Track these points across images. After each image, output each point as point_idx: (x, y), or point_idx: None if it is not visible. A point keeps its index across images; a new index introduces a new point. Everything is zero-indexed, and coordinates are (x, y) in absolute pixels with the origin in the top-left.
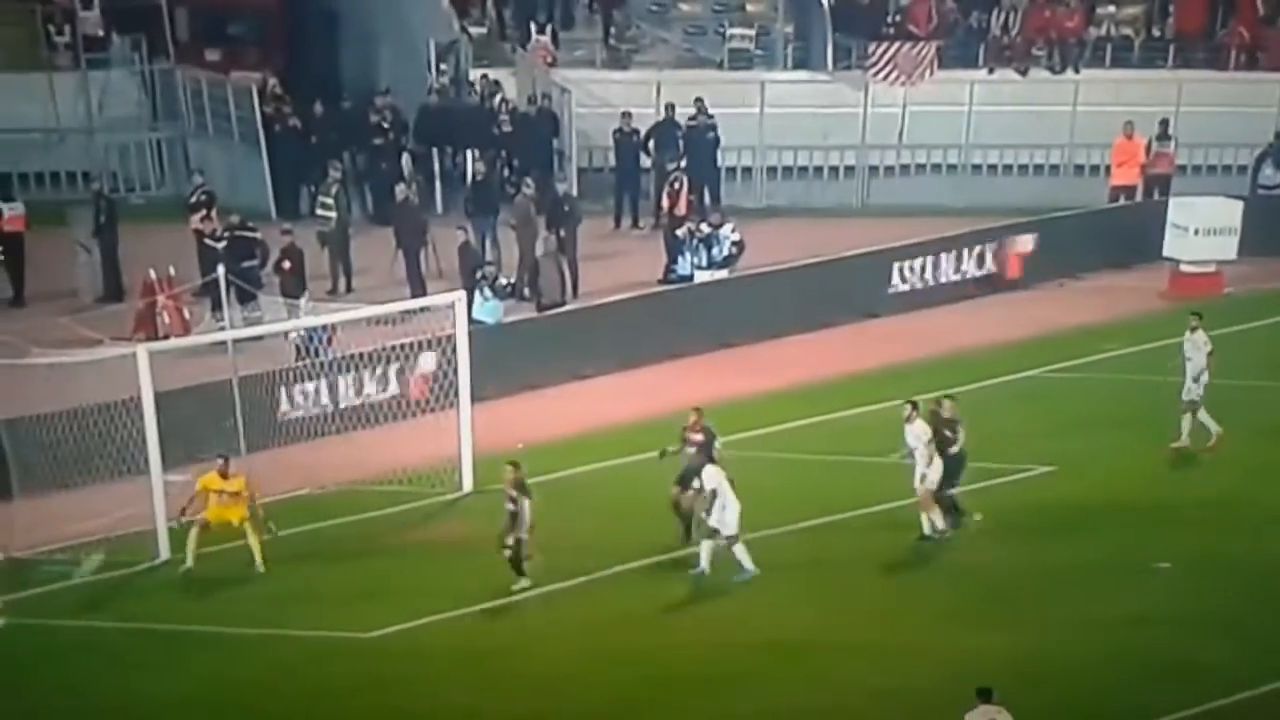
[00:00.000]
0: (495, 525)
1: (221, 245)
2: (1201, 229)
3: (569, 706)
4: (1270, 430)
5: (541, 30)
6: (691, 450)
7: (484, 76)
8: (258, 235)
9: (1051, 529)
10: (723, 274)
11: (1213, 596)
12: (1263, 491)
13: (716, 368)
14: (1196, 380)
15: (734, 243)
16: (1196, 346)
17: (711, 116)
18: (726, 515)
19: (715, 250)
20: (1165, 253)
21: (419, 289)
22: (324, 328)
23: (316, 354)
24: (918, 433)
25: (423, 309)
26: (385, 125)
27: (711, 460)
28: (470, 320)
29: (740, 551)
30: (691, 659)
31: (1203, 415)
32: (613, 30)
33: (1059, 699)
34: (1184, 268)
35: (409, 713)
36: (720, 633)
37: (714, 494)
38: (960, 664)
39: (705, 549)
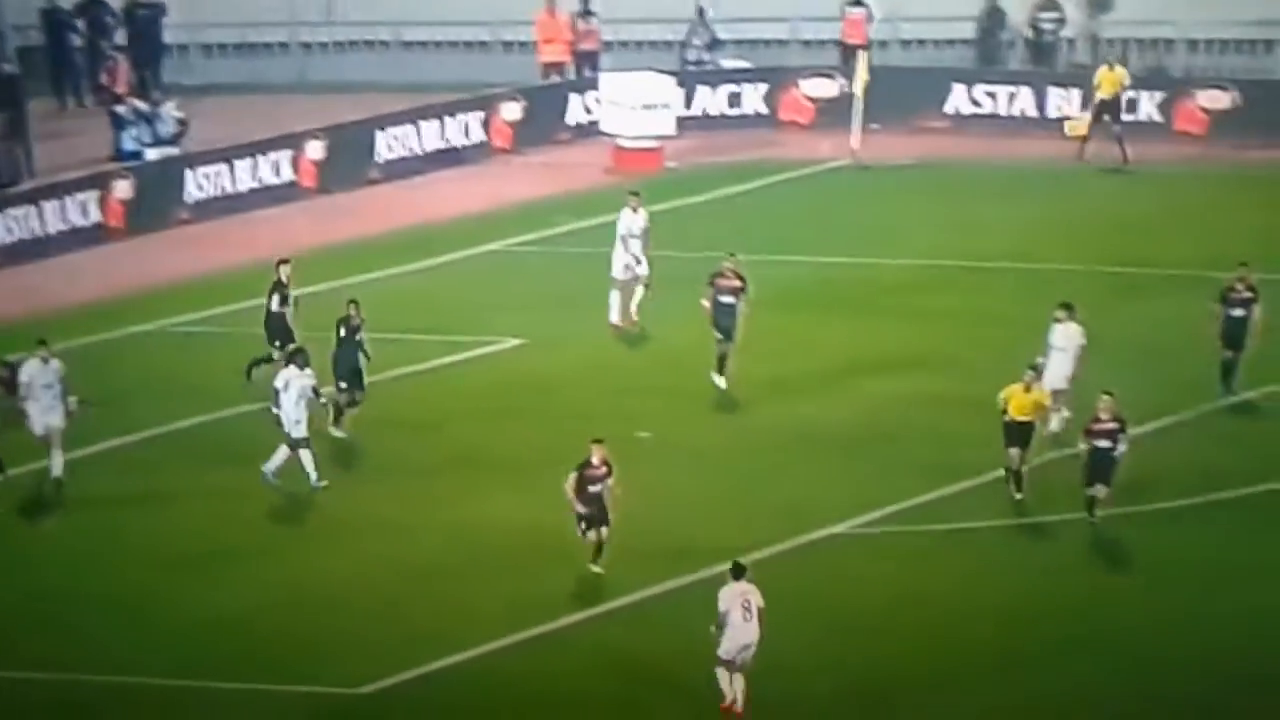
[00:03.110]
0: None
1: None
2: (637, 104)
3: None
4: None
5: None
6: None
7: None
8: None
9: (522, 405)
10: (174, 151)
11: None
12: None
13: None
14: (639, 260)
15: (178, 120)
16: (632, 226)
17: None
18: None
19: (160, 127)
20: (603, 128)
21: None
22: None
23: None
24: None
25: None
26: None
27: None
28: None
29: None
30: None
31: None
32: None
33: None
34: (623, 143)
35: None
36: None
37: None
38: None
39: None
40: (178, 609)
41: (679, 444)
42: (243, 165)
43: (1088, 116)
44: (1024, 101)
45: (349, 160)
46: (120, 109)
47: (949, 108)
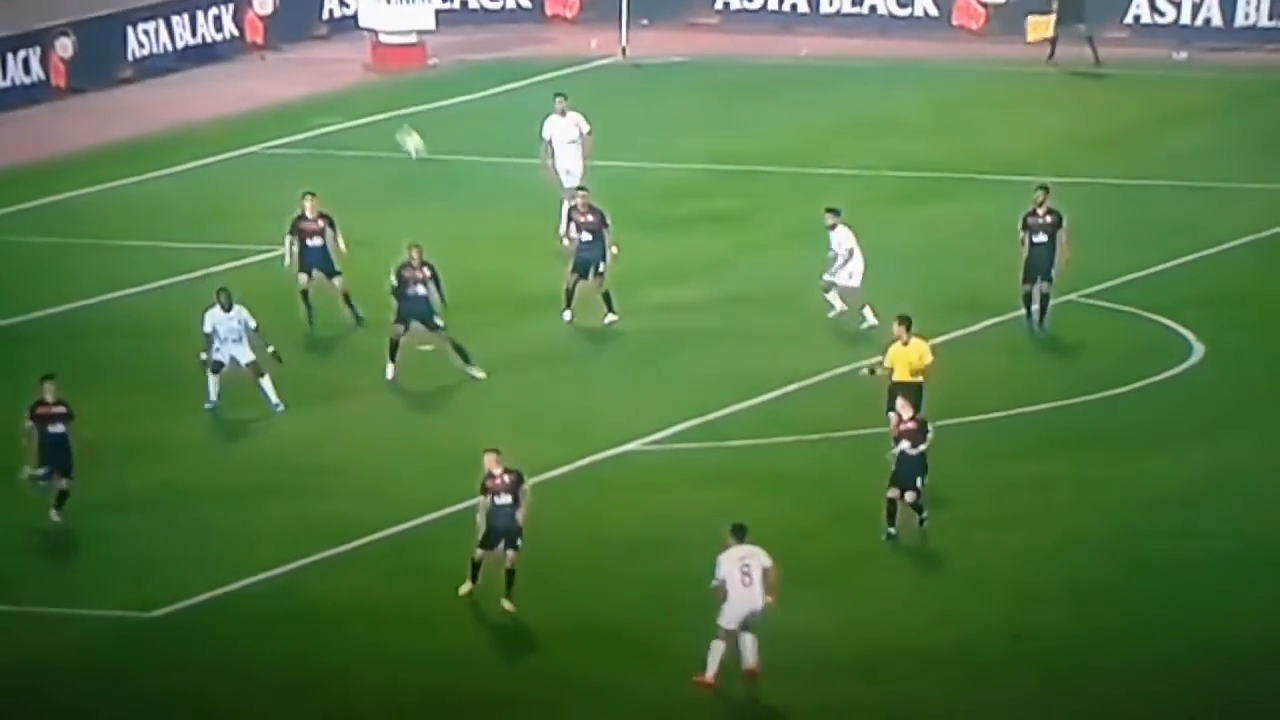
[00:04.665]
0: None
1: None
2: None
3: None
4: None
5: None
6: None
7: None
8: None
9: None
10: None
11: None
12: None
13: None
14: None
15: None
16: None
17: None
18: None
19: None
20: (361, 23)
21: None
22: None
23: None
24: None
25: None
26: None
27: None
28: None
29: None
30: None
31: None
32: None
33: None
34: (383, 38)
35: None
36: None
37: None
38: None
39: None
40: None
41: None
42: None
43: (1050, 18)
44: None
45: (100, 57)
46: None
47: (719, 3)
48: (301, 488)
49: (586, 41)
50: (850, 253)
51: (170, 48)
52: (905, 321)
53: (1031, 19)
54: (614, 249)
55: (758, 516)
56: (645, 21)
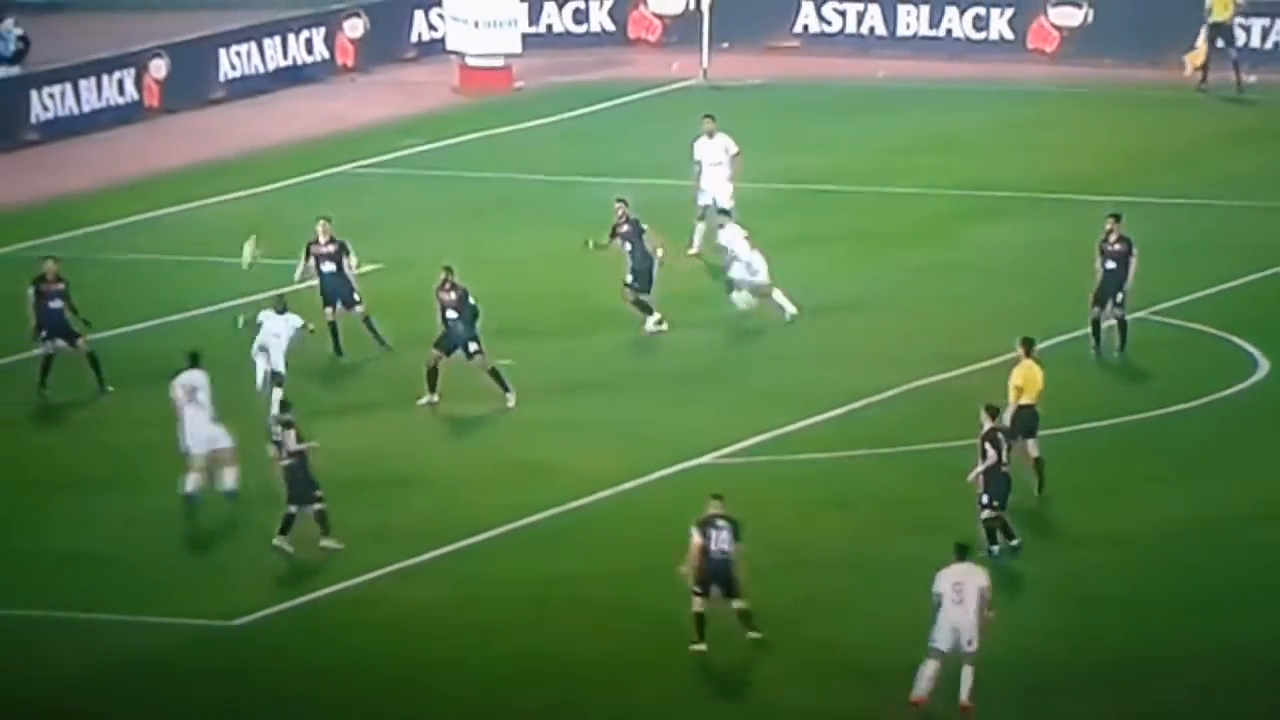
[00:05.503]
0: None
1: None
2: (482, 21)
3: None
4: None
5: None
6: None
7: None
8: None
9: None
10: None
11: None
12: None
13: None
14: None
15: (20, 37)
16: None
17: None
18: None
19: (3, 48)
20: (449, 46)
21: None
22: None
23: None
24: None
25: None
26: None
27: None
28: None
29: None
30: None
31: None
32: None
33: None
34: (470, 61)
35: None
36: None
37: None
38: None
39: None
40: (43, 539)
41: (539, 368)
42: (87, 84)
43: (1203, 45)
44: (873, 19)
45: (192, 79)
46: None
47: (798, 26)
48: (375, 499)
49: (668, 64)
50: (743, 251)
51: (262, 69)
52: (1028, 343)
53: (1188, 56)
54: (659, 251)
55: (826, 528)
56: (725, 45)
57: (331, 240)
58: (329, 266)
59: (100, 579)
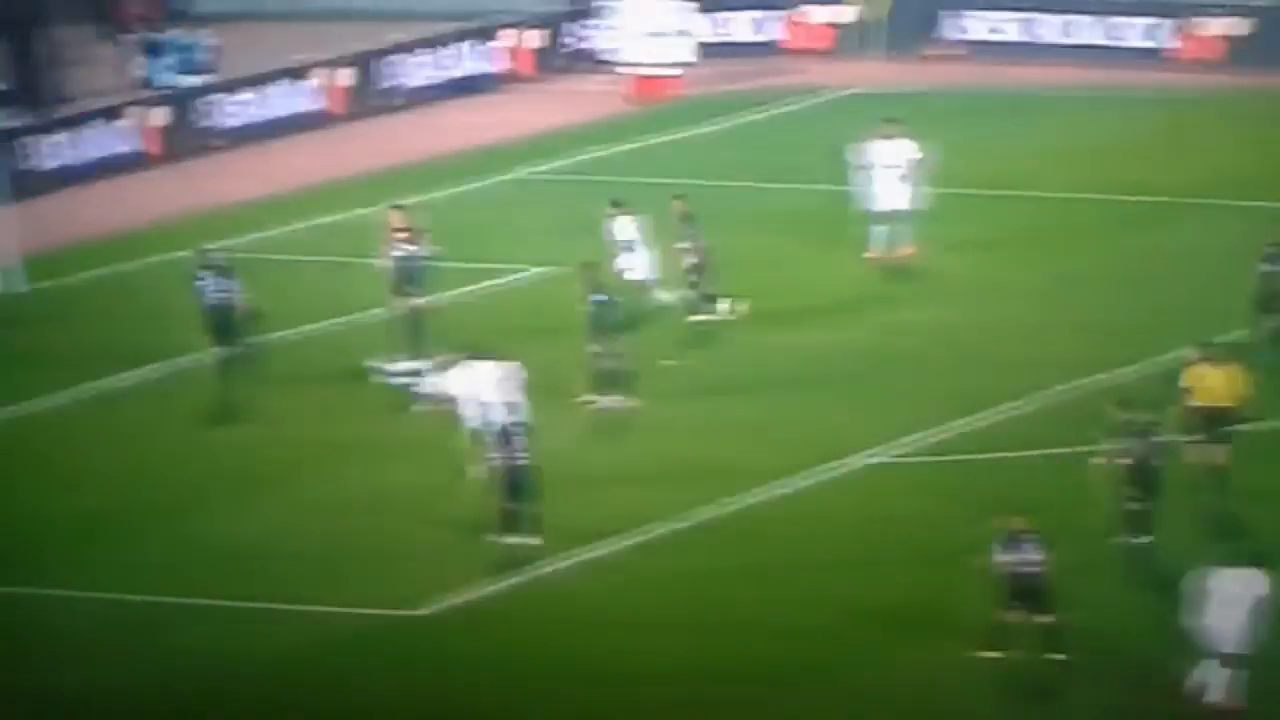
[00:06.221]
0: None
1: None
2: (657, 32)
3: None
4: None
5: None
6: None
7: None
8: None
9: (552, 328)
10: (208, 79)
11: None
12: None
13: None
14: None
15: (208, 47)
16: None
17: None
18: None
19: (195, 56)
20: (623, 57)
21: None
22: None
23: None
24: None
25: None
26: None
27: None
28: None
29: None
30: None
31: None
32: None
33: None
34: (644, 71)
35: None
36: None
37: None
38: None
39: None
40: (217, 528)
41: (703, 371)
42: (276, 92)
43: None
44: (1039, 28)
45: (376, 87)
46: (156, 36)
47: (961, 35)
48: (548, 494)
49: (835, 73)
50: (631, 245)
51: (441, 78)
52: (1204, 347)
53: None
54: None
55: (977, 531)
56: (891, 53)
57: (408, 229)
58: (401, 251)
59: (285, 568)
